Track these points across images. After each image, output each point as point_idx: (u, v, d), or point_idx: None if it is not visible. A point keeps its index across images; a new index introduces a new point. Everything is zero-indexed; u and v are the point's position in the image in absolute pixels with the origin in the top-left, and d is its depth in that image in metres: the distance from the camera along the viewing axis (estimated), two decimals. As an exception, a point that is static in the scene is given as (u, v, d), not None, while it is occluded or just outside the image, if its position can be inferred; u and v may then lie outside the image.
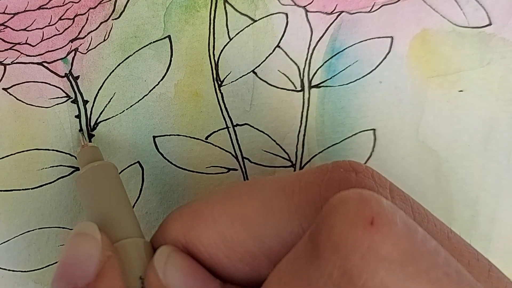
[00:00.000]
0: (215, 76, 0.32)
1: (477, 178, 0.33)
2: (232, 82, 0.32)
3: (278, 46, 0.32)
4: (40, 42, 0.31)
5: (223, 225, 0.25)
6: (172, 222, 0.27)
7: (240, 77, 0.32)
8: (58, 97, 0.32)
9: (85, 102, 0.32)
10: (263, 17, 0.32)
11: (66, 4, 0.31)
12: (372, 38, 0.32)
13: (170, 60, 0.32)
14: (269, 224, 0.24)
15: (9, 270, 0.32)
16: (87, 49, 0.32)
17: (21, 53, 0.31)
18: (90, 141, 0.32)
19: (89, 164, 0.30)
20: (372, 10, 0.32)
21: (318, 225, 0.21)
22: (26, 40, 0.31)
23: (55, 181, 0.32)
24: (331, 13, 0.32)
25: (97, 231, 0.26)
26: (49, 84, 0.32)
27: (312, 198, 0.24)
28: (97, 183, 0.29)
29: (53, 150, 0.32)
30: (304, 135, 0.33)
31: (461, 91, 0.32)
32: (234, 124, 0.32)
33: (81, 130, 0.32)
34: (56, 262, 0.32)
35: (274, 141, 0.33)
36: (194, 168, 0.33)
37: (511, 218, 0.33)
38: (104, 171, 0.30)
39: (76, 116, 0.32)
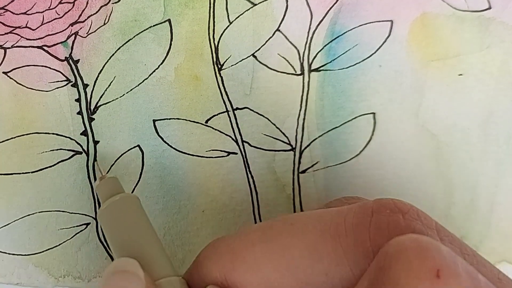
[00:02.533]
0: (215, 59, 0.33)
1: (476, 162, 0.34)
2: (232, 65, 0.33)
3: (278, 30, 0.33)
4: (40, 25, 0.32)
5: (267, 270, 0.25)
6: (209, 261, 0.27)
7: (240, 61, 0.33)
8: (58, 81, 0.33)
9: (85, 86, 0.33)
10: (263, 1, 0.33)
11: (66, -13, 0.32)
12: (372, 22, 0.33)
13: (170, 44, 0.33)
14: (317, 269, 0.24)
15: (9, 253, 0.33)
16: (87, 33, 0.33)
17: (21, 36, 0.32)
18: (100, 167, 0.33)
19: (111, 197, 0.30)
20: (372, -7, 0.33)
21: (378, 276, 0.21)
22: (26, 24, 0.32)
23: (55, 164, 0.33)
24: (331, -4, 0.33)
25: (139, 269, 0.26)
26: (49, 67, 0.33)
27: (360, 242, 0.23)
28: (124, 218, 0.29)
29: (53, 133, 0.33)
30: (304, 118, 0.34)
31: (461, 74, 0.33)
32: (234, 107, 0.33)
33: (95, 160, 0.33)
34: (56, 246, 0.33)
35: (274, 124, 0.34)
36: (194, 152, 0.34)
37: (510, 202, 0.34)
38: (129, 205, 0.30)
39: (76, 100, 0.33)
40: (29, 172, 0.33)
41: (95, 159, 0.33)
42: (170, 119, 0.33)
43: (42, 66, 0.33)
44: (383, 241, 0.22)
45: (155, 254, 0.28)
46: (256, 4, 0.33)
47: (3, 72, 0.33)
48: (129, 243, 0.28)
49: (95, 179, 0.33)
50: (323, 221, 0.25)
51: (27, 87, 0.33)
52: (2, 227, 0.33)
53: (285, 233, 0.25)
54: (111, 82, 0.33)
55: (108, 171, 0.33)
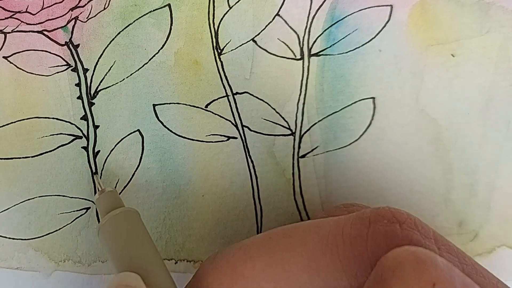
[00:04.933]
0: (215, 44, 0.34)
1: (476, 147, 0.35)
2: (232, 50, 0.34)
3: (277, 14, 0.34)
4: (40, 10, 0.33)
5: (266, 285, 0.25)
6: (209, 276, 0.27)
7: (240, 46, 0.34)
8: (58, 66, 0.34)
9: (85, 71, 0.34)
10: (263, -15, 0.34)
11: (67, -29, 0.33)
12: (372, 7, 0.34)
13: (170, 29, 0.34)
14: (316, 283, 0.25)
15: (9, 238, 0.34)
16: (87, 18, 0.34)
17: (21, 21, 0.33)
18: (97, 172, 0.34)
19: (111, 212, 0.31)
20: (372, -22, 0.34)
21: None
22: (27, 9, 0.33)
23: (55, 149, 0.34)
24: (331, -19, 0.34)
25: (141, 283, 0.26)
26: (49, 52, 0.34)
27: (358, 254, 0.24)
28: (124, 233, 0.30)
29: (53, 118, 0.34)
30: (303, 103, 0.35)
31: (453, 55, 0.34)
32: (234, 92, 0.34)
33: (95, 173, 0.34)
34: (56, 230, 0.34)
35: (274, 109, 0.35)
36: (193, 136, 0.35)
37: (510, 187, 0.35)
38: (129, 219, 0.31)
39: (76, 85, 0.34)
40: (29, 157, 0.34)
41: (94, 173, 0.34)
42: (170, 103, 0.34)
43: (42, 50, 0.34)
44: (381, 252, 0.23)
45: (156, 269, 0.28)
46: (256, -11, 0.34)
47: (3, 57, 0.34)
48: (130, 257, 0.28)
49: (95, 164, 0.34)
50: (321, 233, 0.25)
51: (27, 72, 0.34)
52: (2, 211, 0.34)
53: (283, 246, 0.26)
54: (111, 66, 0.34)
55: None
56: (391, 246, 0.22)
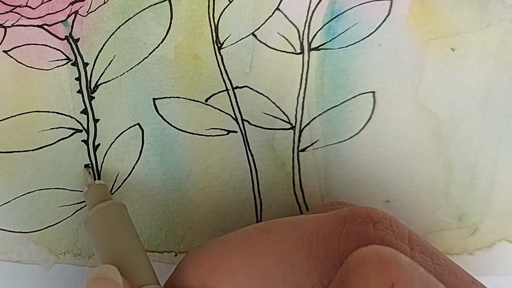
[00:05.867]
0: (214, 38, 0.34)
1: (476, 141, 0.35)
2: (231, 44, 0.35)
3: (277, 8, 0.34)
4: (41, 4, 0.34)
5: (241, 279, 0.26)
6: (188, 269, 0.28)
7: (240, 40, 0.35)
8: (58, 60, 0.34)
9: (85, 65, 0.34)
10: (263, -21, 0.34)
11: (67, -35, 0.33)
12: (372, 1, 0.35)
13: (170, 23, 0.34)
14: (289, 279, 0.25)
15: (9, 231, 0.35)
16: (87, 12, 0.34)
17: (22, 15, 0.34)
18: (90, 164, 0.35)
19: (98, 204, 0.31)
20: (371, -28, 0.34)
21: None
22: (27, 3, 0.34)
23: (55, 142, 0.34)
24: (331, -25, 0.34)
25: (119, 276, 0.27)
26: (49, 46, 0.34)
27: (331, 252, 0.24)
28: (109, 225, 0.31)
29: (53, 112, 0.34)
30: (303, 97, 0.35)
31: (453, 49, 0.34)
32: (234, 86, 0.35)
33: (87, 166, 0.35)
34: (56, 223, 0.35)
35: (274, 103, 0.35)
36: (193, 130, 0.35)
37: (510, 180, 0.35)
38: (115, 212, 0.31)
39: (76, 79, 0.34)
40: (29, 150, 0.34)
41: (86, 166, 0.35)
42: (170, 97, 0.35)
43: (42, 45, 0.34)
44: (352, 251, 0.23)
45: (137, 262, 0.29)
46: (255, -17, 0.34)
47: (3, 51, 0.34)
48: (113, 250, 0.29)
49: (95, 157, 0.35)
50: (298, 230, 0.26)
51: (27, 66, 0.34)
52: (2, 204, 0.35)
53: (261, 242, 0.26)
54: (111, 60, 0.34)
55: (99, 178, 0.35)
56: (362, 245, 0.23)
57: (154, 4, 0.34)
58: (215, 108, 0.35)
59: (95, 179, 0.34)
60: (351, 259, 0.22)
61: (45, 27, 0.34)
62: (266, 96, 0.35)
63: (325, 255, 0.24)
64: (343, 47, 0.35)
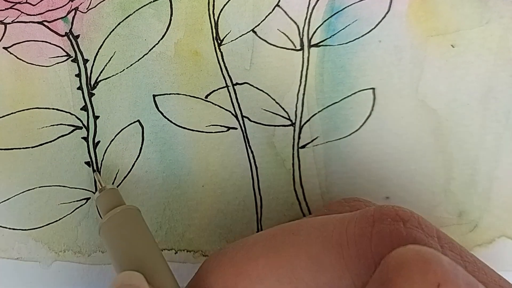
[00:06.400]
0: (215, 35, 0.35)
1: (476, 137, 0.35)
2: (232, 41, 0.35)
3: (277, 5, 0.35)
4: (41, 1, 0.34)
5: (270, 283, 0.26)
6: (212, 275, 0.28)
7: (240, 36, 0.35)
8: (58, 56, 0.34)
9: (85, 61, 0.34)
10: (263, -24, 0.34)
11: (67, -39, 0.33)
12: (372, -3, 0.35)
13: (170, 19, 0.34)
14: (320, 282, 0.25)
15: (9, 228, 0.35)
16: (87, 8, 0.34)
17: (22, 12, 0.34)
18: (98, 171, 0.35)
19: (112, 210, 0.31)
20: (371, -32, 0.34)
21: None
22: (27, 0, 0.34)
23: (55, 139, 0.35)
24: (331, -29, 0.34)
25: (145, 283, 0.26)
26: (50, 43, 0.34)
27: (362, 253, 0.24)
28: (126, 231, 0.30)
29: (53, 109, 0.34)
30: (303, 94, 0.35)
31: (453, 46, 0.34)
32: (234, 83, 0.35)
33: (95, 170, 0.35)
34: (56, 221, 0.35)
35: (274, 100, 0.35)
36: (193, 127, 0.35)
37: (510, 177, 0.35)
38: (131, 217, 0.31)
39: (76, 75, 0.34)
40: (29, 147, 0.35)
41: (95, 170, 0.35)
42: (170, 94, 0.35)
43: (42, 41, 0.34)
44: (385, 251, 0.23)
45: (158, 267, 0.28)
46: (255, -20, 0.34)
47: (4, 48, 0.34)
48: (132, 256, 0.29)
49: (95, 154, 0.35)
50: (325, 231, 0.25)
51: (27, 62, 0.34)
52: (2, 202, 0.35)
53: (288, 244, 0.26)
54: (111, 57, 0.34)
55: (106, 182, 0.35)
56: (395, 245, 0.23)
57: (154, 1, 0.34)
58: (215, 104, 0.35)
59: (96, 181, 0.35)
60: (390, 259, 0.22)
61: (45, 23, 0.34)
62: (266, 93, 0.35)
63: (357, 255, 0.24)
64: (343, 44, 0.35)
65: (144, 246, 0.29)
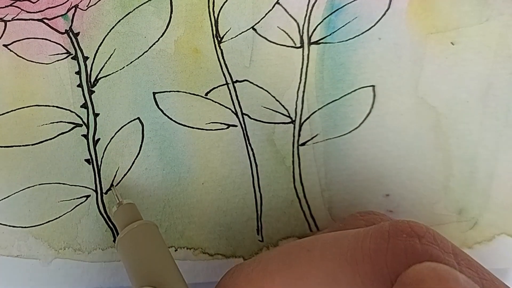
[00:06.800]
0: (214, 32, 0.35)
1: (476, 135, 0.35)
2: (231, 38, 0.35)
3: (277, 2, 0.35)
4: (40, -2, 0.34)
5: None
6: None
7: (240, 34, 0.35)
8: (58, 54, 0.34)
9: (85, 59, 0.34)
10: (263, -27, 0.34)
11: (68, -42, 0.33)
12: (371, -5, 0.35)
13: (170, 17, 0.34)
14: None
15: (9, 225, 0.35)
16: (87, 6, 0.34)
17: (22, 9, 0.34)
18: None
19: (129, 225, 0.31)
20: (371, -34, 0.34)
21: None
22: (26, -3, 0.34)
23: (55, 137, 0.35)
24: (330, -31, 0.34)
25: None
26: (50, 40, 0.34)
27: (378, 269, 0.24)
28: (143, 246, 0.30)
29: (53, 106, 0.34)
30: (303, 91, 0.35)
31: (452, 43, 0.35)
32: (234, 80, 0.35)
33: (113, 185, 0.35)
34: (56, 218, 0.35)
35: (274, 97, 0.35)
36: (193, 124, 0.35)
37: (509, 174, 0.35)
38: (148, 232, 0.31)
39: (76, 73, 0.34)
40: (29, 145, 0.35)
41: (113, 185, 0.35)
42: (170, 91, 0.35)
43: (42, 39, 0.34)
44: (401, 267, 0.23)
45: (174, 283, 0.29)
46: (255, -23, 0.34)
47: (4, 45, 0.34)
48: (148, 271, 0.29)
49: (95, 152, 0.35)
50: (340, 247, 0.25)
51: (27, 60, 0.34)
52: (2, 199, 0.35)
53: (303, 261, 0.26)
54: (111, 54, 0.35)
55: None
56: (411, 261, 0.23)
57: (154, -2, 0.35)
58: (215, 102, 0.35)
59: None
60: (406, 277, 0.22)
61: (45, 21, 0.34)
62: (266, 90, 0.35)
63: (372, 272, 0.24)
64: (343, 41, 0.35)
65: (160, 261, 0.30)
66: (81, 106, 0.35)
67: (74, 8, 0.34)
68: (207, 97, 0.35)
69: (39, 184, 0.35)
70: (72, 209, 0.35)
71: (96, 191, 0.35)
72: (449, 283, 0.21)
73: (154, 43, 0.35)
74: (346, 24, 0.35)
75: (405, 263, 0.23)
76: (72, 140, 0.35)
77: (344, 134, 0.36)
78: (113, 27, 0.34)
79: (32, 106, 0.34)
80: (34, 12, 0.34)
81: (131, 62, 0.35)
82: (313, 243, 0.27)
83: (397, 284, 0.22)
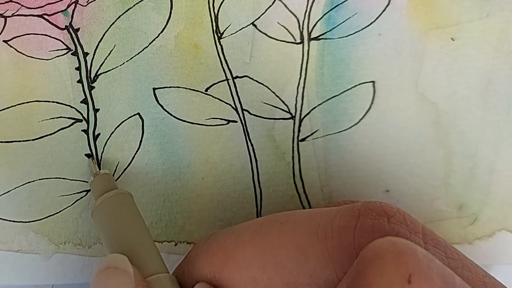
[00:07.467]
0: (214, 28, 0.35)
1: (476, 130, 0.35)
2: (231, 34, 0.35)
3: (277, -2, 0.35)
4: (41, -6, 0.34)
5: (255, 269, 0.26)
6: (200, 259, 0.28)
7: (240, 29, 0.35)
8: (58, 49, 0.34)
9: (85, 54, 0.35)
10: (263, -31, 0.34)
11: (67, -46, 0.34)
12: (372, -10, 0.35)
13: (170, 12, 0.35)
14: (303, 271, 0.25)
15: (9, 220, 0.35)
16: (87, 2, 0.34)
17: (22, 5, 0.34)
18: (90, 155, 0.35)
19: (104, 194, 0.32)
20: (371, -39, 0.34)
21: (355, 279, 0.22)
22: (27, -8, 0.34)
23: (55, 132, 0.35)
24: (330, -36, 0.34)
25: (129, 265, 0.27)
26: (50, 36, 0.34)
27: (346, 244, 0.24)
28: (116, 215, 0.31)
29: (53, 102, 0.35)
30: (303, 87, 0.35)
31: (452, 39, 0.35)
32: (234, 76, 0.35)
33: (90, 156, 0.35)
34: (56, 213, 0.35)
35: (274, 93, 0.35)
36: (193, 120, 0.35)
37: (510, 170, 0.35)
38: (122, 201, 0.32)
39: (76, 68, 0.35)
40: (29, 140, 0.35)
41: (89, 155, 0.35)
42: (170, 87, 0.35)
43: (42, 34, 0.34)
44: (367, 244, 0.23)
45: (146, 251, 0.29)
46: (255, -27, 0.35)
47: (4, 41, 0.34)
48: (121, 239, 0.29)
49: (95, 147, 0.35)
50: (312, 222, 0.26)
51: (27, 56, 0.34)
52: (2, 194, 0.35)
53: (274, 233, 0.27)
54: (111, 50, 0.35)
55: (100, 168, 0.35)
56: (377, 238, 0.23)
57: (154, -6, 0.35)
58: (215, 97, 0.35)
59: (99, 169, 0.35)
60: (366, 250, 0.22)
61: (45, 17, 0.34)
62: (266, 86, 0.35)
63: (340, 247, 0.24)
64: (343, 37, 0.35)
65: (133, 229, 0.30)
66: (81, 102, 0.35)
67: (74, 4, 0.34)
68: (207, 92, 0.35)
69: (39, 179, 0.35)
70: (72, 204, 0.35)
71: (96, 186, 0.35)
72: (405, 256, 0.21)
73: (154, 39, 0.35)
74: (346, 20, 0.35)
75: (371, 240, 0.23)
76: (72, 135, 0.35)
77: (344, 130, 0.36)
78: (113, 23, 0.35)
79: (32, 101, 0.35)
80: (34, 8, 0.34)
81: (131, 58, 0.35)
82: (286, 217, 0.28)
83: (358, 257, 0.22)
